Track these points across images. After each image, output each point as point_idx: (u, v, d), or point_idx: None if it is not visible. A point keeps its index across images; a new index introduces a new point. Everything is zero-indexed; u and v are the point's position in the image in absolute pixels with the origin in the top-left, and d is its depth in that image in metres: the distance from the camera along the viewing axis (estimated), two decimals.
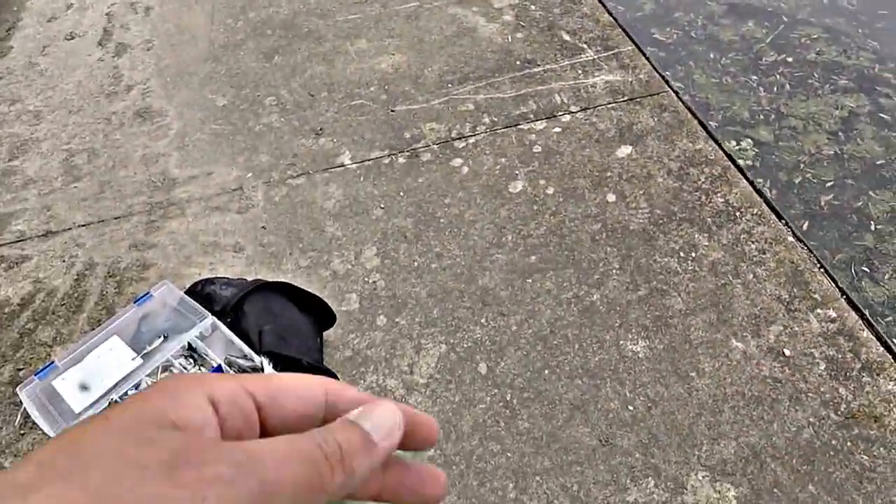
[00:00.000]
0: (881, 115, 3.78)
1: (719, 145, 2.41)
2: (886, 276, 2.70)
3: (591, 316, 1.92)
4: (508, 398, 1.75)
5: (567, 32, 2.88)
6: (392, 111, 2.57)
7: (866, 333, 1.87)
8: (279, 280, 1.84)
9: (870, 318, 1.94)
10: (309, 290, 1.82)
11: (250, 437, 0.28)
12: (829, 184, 3.16)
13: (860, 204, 3.07)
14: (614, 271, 2.02)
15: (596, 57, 2.75)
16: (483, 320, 1.91)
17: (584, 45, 2.82)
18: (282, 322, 1.62)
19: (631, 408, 1.72)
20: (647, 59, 2.79)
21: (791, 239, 2.11)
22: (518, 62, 2.73)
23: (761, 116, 3.94)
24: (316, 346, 1.74)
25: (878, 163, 3.29)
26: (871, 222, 2.94)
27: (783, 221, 2.17)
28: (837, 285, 2.00)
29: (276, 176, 2.38)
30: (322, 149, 2.46)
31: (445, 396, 1.76)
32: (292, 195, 2.31)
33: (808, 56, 4.26)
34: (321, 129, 2.54)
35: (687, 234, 2.11)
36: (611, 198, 2.22)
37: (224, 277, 1.75)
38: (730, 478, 1.59)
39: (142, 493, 0.21)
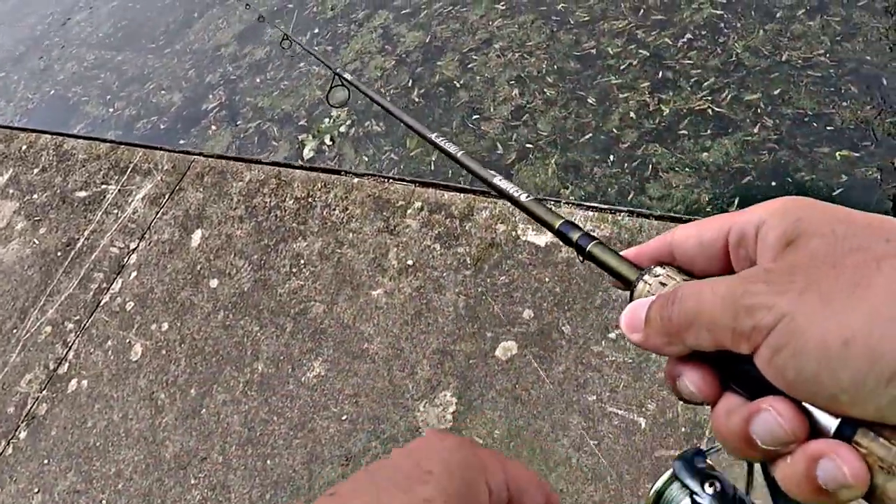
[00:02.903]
0: (402, 12, 4.46)
1: (259, 162, 2.68)
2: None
3: (268, 385, 2.05)
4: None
5: (80, 189, 2.93)
6: None
7: (447, 195, 2.27)
8: None
9: (451, 184, 2.35)
10: None
11: None
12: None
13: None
14: (258, 334, 2.17)
15: (121, 187, 2.85)
16: (193, 477, 1.96)
17: (104, 185, 2.90)
18: None
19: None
20: (161, 148, 2.96)
21: (356, 180, 2.44)
22: (59, 254, 2.72)
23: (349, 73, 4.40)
24: None
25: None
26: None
27: (342, 173, 2.50)
28: (408, 181, 2.37)
29: None
30: None
31: None
32: None
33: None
34: None
35: (288, 251, 2.34)
36: (213, 283, 2.36)
37: None
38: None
39: None
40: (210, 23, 5.59)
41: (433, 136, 0.70)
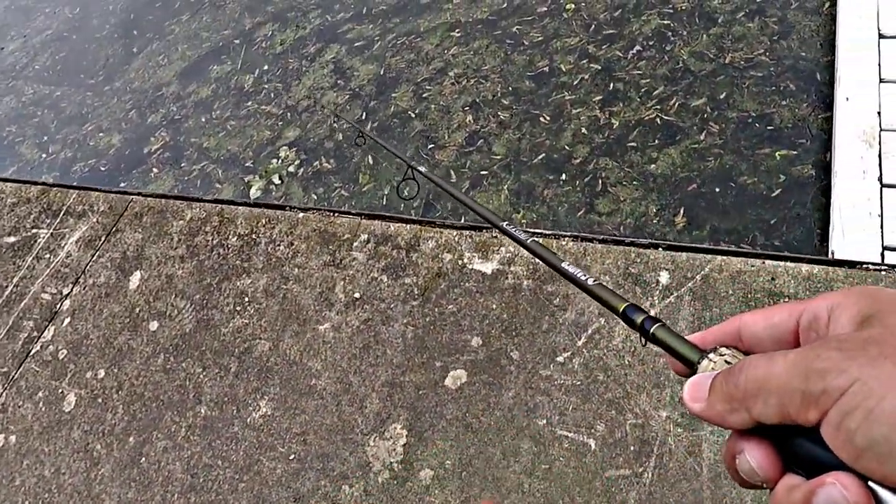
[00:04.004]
0: (356, 45, 4.59)
1: (200, 200, 2.70)
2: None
3: (212, 429, 2.04)
4: None
5: (9, 234, 2.89)
6: None
7: (393, 227, 2.33)
8: None
9: (399, 215, 2.42)
10: None
11: None
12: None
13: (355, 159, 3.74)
14: (201, 376, 2.17)
15: (53, 230, 2.82)
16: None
17: (35, 230, 2.86)
18: None
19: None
20: (96, 189, 2.95)
21: (301, 215, 2.49)
22: None
23: (284, 117, 4.47)
24: None
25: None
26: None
27: (287, 208, 2.55)
28: (354, 214, 2.43)
29: None
30: None
31: None
32: None
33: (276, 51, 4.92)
34: None
35: (231, 289, 2.35)
36: (153, 326, 2.35)
37: None
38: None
39: None
40: (150, 59, 5.62)
41: (504, 225, 0.75)
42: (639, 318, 0.48)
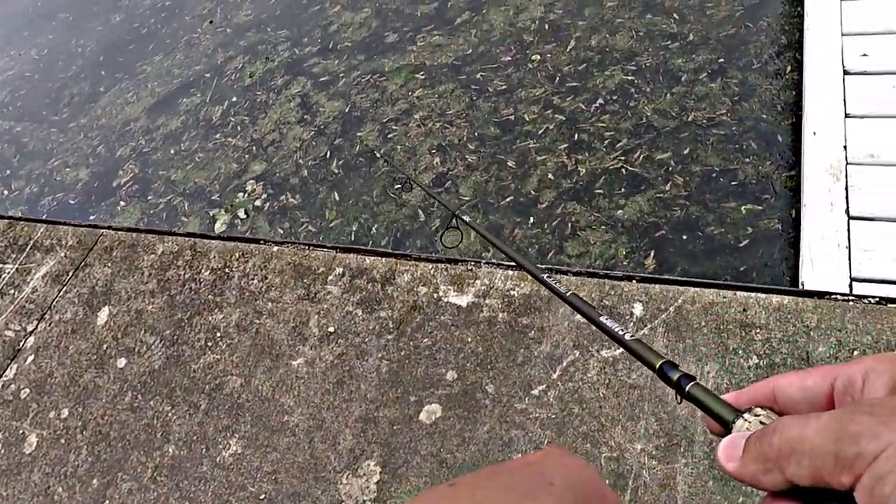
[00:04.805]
0: (321, 79, 4.66)
1: (173, 234, 2.70)
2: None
3: (180, 469, 2.01)
4: None
5: None
6: None
7: (369, 260, 2.35)
8: None
9: (377, 250, 2.44)
10: None
11: None
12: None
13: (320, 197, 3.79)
14: (170, 414, 2.14)
15: (19, 265, 2.79)
16: None
17: (0, 265, 2.83)
18: None
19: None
20: (65, 223, 2.93)
21: (275, 248, 2.50)
22: None
23: (252, 150, 4.50)
24: None
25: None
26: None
27: (262, 242, 2.56)
28: (329, 247, 2.45)
29: None
30: None
31: None
32: None
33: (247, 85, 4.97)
34: None
35: (203, 324, 2.34)
36: (121, 363, 2.32)
37: None
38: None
39: None
40: (118, 97, 5.64)
41: (545, 277, 0.78)
42: (675, 376, 0.49)
